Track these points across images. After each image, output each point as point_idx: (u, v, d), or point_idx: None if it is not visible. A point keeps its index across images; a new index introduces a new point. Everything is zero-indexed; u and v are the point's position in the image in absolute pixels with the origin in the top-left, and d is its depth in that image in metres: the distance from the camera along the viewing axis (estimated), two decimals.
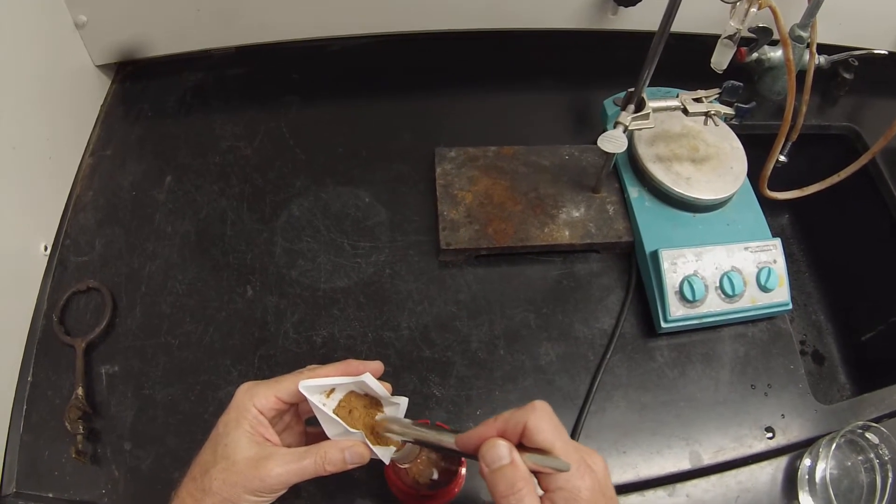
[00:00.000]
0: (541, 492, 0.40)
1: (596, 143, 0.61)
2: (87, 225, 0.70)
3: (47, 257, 0.68)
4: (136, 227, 0.70)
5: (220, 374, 0.62)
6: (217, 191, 0.73)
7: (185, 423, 0.59)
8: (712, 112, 0.64)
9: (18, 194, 0.64)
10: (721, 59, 0.66)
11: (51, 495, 0.56)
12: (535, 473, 0.39)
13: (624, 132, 0.60)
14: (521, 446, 0.40)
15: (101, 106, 0.80)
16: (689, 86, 0.67)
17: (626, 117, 0.60)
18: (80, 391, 0.59)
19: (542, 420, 0.40)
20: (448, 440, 0.43)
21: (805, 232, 1.01)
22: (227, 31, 0.81)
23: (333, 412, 0.46)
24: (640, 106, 0.61)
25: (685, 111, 0.64)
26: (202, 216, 0.71)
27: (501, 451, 0.39)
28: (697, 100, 0.64)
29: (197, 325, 0.64)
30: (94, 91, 0.79)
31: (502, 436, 0.40)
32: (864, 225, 0.89)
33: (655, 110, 0.62)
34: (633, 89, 0.60)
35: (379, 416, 0.47)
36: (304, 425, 0.51)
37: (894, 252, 0.83)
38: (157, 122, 0.79)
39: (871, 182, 0.85)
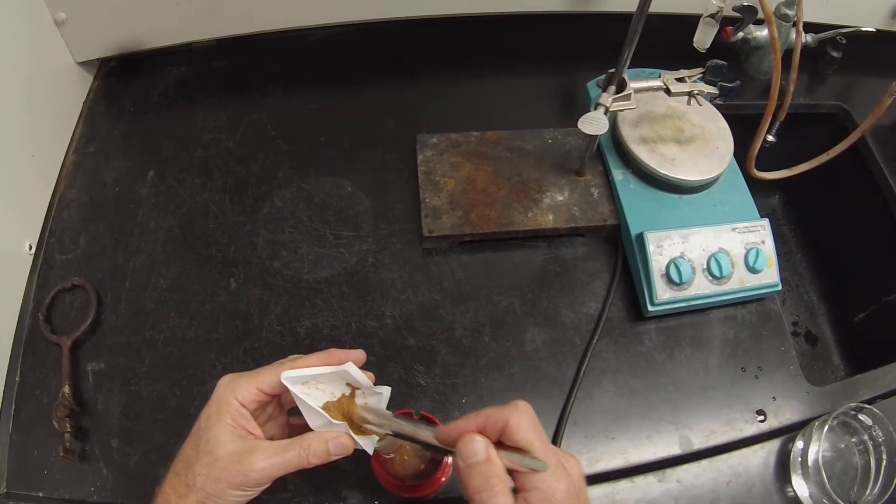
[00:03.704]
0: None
1: None
2: (71, 222, 0.70)
3: (32, 256, 0.68)
4: (119, 224, 0.70)
5: (205, 368, 0.62)
6: (199, 184, 0.73)
7: (171, 418, 0.59)
8: (695, 92, 0.63)
9: (1, 194, 0.64)
10: (704, 38, 0.65)
11: (41, 494, 0.56)
12: (511, 472, 0.39)
13: (605, 114, 0.59)
14: (499, 444, 0.40)
15: (84, 103, 0.80)
16: (677, 67, 0.66)
17: (607, 98, 0.59)
18: (66, 389, 0.59)
19: (524, 419, 0.40)
20: (426, 433, 0.43)
21: (796, 212, 1.01)
22: (207, 23, 0.80)
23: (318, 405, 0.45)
24: (621, 87, 0.60)
25: (668, 91, 0.63)
26: (185, 210, 0.71)
27: (478, 447, 0.39)
28: (680, 80, 0.64)
29: (181, 320, 0.64)
30: (76, 88, 0.79)
31: (481, 432, 0.40)
32: (855, 204, 0.89)
33: (637, 91, 0.61)
34: (613, 70, 0.60)
35: (357, 406, 0.47)
36: (286, 416, 0.51)
37: (886, 231, 0.82)
38: (139, 118, 0.79)
39: (861, 160, 0.85)
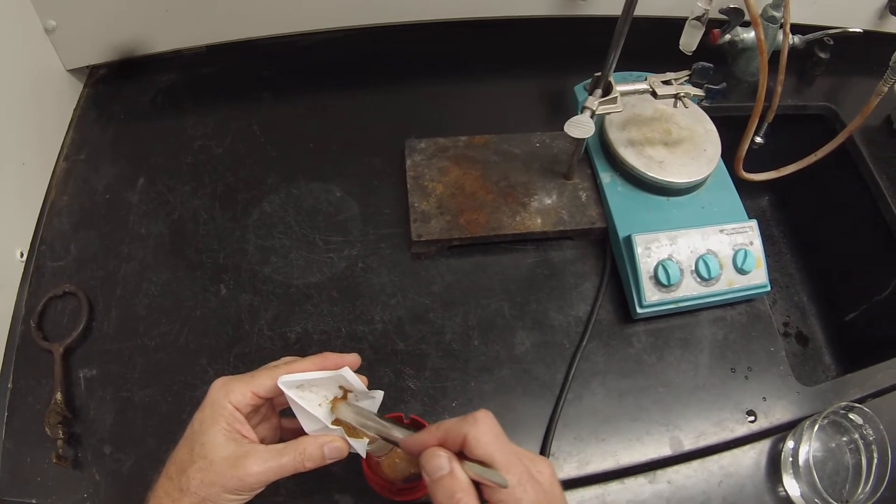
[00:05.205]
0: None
1: None
2: (62, 230, 0.70)
3: (23, 263, 0.68)
4: (110, 231, 0.70)
5: (196, 374, 0.62)
6: (189, 191, 0.73)
7: (163, 424, 0.59)
8: (682, 94, 0.63)
9: None
10: (690, 40, 0.66)
11: (34, 501, 0.56)
12: (479, 483, 0.39)
13: (591, 117, 0.59)
14: (464, 455, 0.40)
15: (74, 110, 0.80)
16: (664, 70, 0.66)
17: (593, 102, 0.60)
18: (58, 396, 0.59)
19: (482, 433, 0.39)
20: (397, 435, 0.44)
21: (785, 213, 1.01)
22: (196, 30, 0.80)
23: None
24: (607, 90, 0.61)
25: (654, 94, 0.63)
26: (175, 217, 0.71)
27: (441, 462, 0.39)
28: (667, 82, 0.64)
29: (172, 326, 0.64)
30: (66, 95, 0.79)
31: (443, 444, 0.40)
32: (844, 204, 0.89)
33: (623, 94, 0.61)
34: (599, 73, 0.60)
35: (341, 404, 0.47)
36: (278, 417, 0.51)
37: (875, 230, 0.82)
38: (129, 125, 0.79)
39: (849, 161, 0.85)
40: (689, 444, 0.61)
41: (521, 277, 0.69)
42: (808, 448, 0.58)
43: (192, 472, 0.42)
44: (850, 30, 0.84)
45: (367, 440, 0.47)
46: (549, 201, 0.70)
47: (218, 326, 0.64)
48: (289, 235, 0.70)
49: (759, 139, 0.83)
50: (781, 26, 0.77)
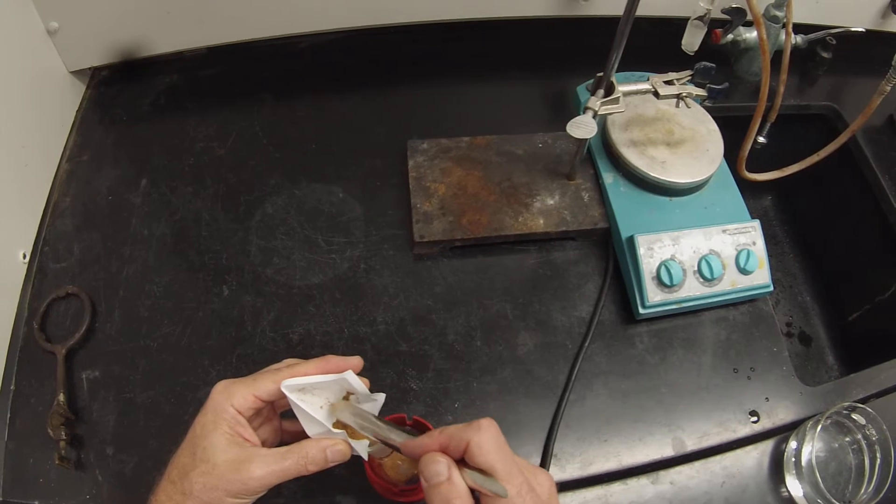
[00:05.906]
0: None
1: None
2: (65, 231, 0.70)
3: (26, 265, 0.68)
4: (113, 232, 0.70)
5: (198, 375, 0.62)
6: (192, 192, 0.73)
7: (166, 425, 0.59)
8: (684, 94, 0.63)
9: None
10: (692, 40, 0.65)
11: (36, 503, 0.56)
12: (477, 492, 0.39)
13: (593, 117, 0.59)
14: (464, 462, 0.40)
15: (77, 111, 0.80)
16: (666, 70, 0.66)
17: (595, 102, 0.59)
18: (61, 397, 0.59)
19: (485, 441, 0.39)
20: (396, 439, 0.44)
21: (788, 213, 1.01)
22: (198, 31, 0.81)
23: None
24: (609, 90, 0.60)
25: (656, 94, 0.63)
26: (177, 218, 0.71)
27: (440, 468, 0.39)
28: (669, 82, 0.64)
29: (175, 327, 0.64)
30: (68, 97, 0.79)
31: (444, 450, 0.40)
32: (847, 204, 0.89)
33: (626, 94, 0.61)
34: (601, 74, 0.60)
35: (341, 405, 0.47)
36: (279, 420, 0.51)
37: (878, 230, 0.82)
38: (131, 126, 0.79)
39: (852, 160, 0.85)
40: (691, 445, 0.60)
41: (524, 278, 0.69)
42: (810, 448, 0.58)
43: (194, 475, 0.42)
44: (853, 29, 0.84)
45: (366, 441, 0.47)
46: (551, 202, 0.70)
47: (220, 328, 0.64)
48: (291, 237, 0.70)
49: (761, 139, 0.83)
50: (784, 26, 0.77)
